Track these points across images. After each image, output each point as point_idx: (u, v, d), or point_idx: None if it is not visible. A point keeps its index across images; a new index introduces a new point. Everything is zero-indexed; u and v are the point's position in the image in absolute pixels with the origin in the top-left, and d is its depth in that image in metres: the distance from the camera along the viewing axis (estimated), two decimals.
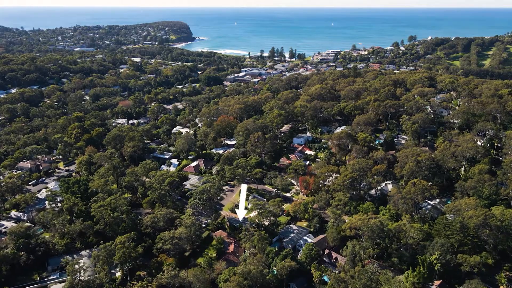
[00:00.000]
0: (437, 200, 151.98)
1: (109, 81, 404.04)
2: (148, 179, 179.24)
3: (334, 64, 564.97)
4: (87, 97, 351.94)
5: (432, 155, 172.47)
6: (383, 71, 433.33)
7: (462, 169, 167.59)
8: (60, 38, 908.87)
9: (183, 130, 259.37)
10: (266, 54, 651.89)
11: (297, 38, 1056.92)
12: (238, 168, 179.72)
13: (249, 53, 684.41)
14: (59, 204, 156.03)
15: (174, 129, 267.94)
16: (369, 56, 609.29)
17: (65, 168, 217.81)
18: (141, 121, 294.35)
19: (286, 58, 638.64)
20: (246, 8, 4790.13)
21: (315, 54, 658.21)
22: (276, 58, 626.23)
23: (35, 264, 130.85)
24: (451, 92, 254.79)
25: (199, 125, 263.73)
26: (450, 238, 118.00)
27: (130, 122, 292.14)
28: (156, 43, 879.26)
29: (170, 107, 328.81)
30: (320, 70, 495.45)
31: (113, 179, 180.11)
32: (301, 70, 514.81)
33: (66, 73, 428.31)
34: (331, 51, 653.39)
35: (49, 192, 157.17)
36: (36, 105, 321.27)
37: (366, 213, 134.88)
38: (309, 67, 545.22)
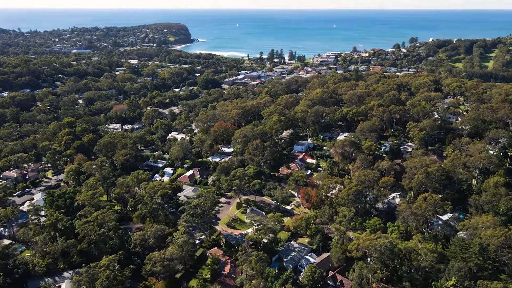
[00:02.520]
0: (449, 214, 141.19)
1: (104, 84, 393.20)
2: (140, 190, 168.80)
3: (334, 66, 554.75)
4: (81, 101, 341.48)
5: (442, 165, 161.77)
6: (385, 73, 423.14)
7: (475, 181, 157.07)
8: (57, 39, 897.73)
9: (179, 136, 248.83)
10: (265, 56, 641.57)
11: (297, 40, 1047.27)
12: (235, 179, 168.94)
13: (248, 55, 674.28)
14: (43, 219, 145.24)
15: (170, 135, 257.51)
16: (370, 58, 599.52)
17: (53, 177, 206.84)
18: (136, 126, 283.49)
19: (286, 60, 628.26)
20: (246, 9, 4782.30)
21: (315, 56, 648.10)
22: (276, 60, 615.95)
23: (13, 287, 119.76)
24: (458, 97, 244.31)
25: (195, 131, 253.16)
26: (468, 262, 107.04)
27: (124, 127, 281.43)
28: (154, 45, 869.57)
29: (166, 111, 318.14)
30: (321, 72, 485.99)
31: (102, 191, 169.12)
32: (301, 72, 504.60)
33: (60, 76, 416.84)
34: (331, 53, 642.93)
35: (31, 207, 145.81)
36: (27, 109, 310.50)
37: (373, 231, 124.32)
38: (309, 69, 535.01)
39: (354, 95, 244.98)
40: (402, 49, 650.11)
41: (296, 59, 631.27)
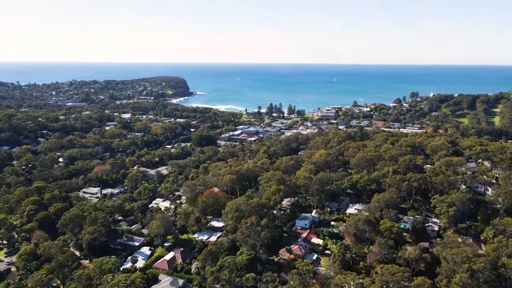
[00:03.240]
0: None
1: (91, 141, 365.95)
2: (103, 284, 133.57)
3: (335, 121, 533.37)
4: (61, 160, 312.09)
5: (482, 252, 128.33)
6: (390, 130, 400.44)
7: None
8: (54, 92, 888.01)
9: (163, 204, 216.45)
10: (263, 110, 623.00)
11: (296, 93, 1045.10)
12: (224, 270, 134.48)
13: (246, 109, 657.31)
14: None
15: (153, 202, 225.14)
16: (371, 113, 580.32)
17: (6, 259, 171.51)
18: (116, 190, 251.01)
19: (285, 115, 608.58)
20: (245, 63, 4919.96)
21: (315, 110, 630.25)
22: (274, 115, 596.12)
23: None
24: (483, 161, 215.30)
25: (183, 197, 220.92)
26: None
27: (104, 191, 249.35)
28: (152, 98, 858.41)
29: (153, 172, 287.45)
30: (321, 128, 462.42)
31: (58, 282, 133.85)
32: (300, 127, 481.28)
33: (45, 131, 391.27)
34: (332, 108, 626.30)
35: None
36: (1, 169, 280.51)
37: None
38: (309, 124, 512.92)
39: (363, 158, 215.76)
40: (404, 104, 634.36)
41: (296, 114, 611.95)
